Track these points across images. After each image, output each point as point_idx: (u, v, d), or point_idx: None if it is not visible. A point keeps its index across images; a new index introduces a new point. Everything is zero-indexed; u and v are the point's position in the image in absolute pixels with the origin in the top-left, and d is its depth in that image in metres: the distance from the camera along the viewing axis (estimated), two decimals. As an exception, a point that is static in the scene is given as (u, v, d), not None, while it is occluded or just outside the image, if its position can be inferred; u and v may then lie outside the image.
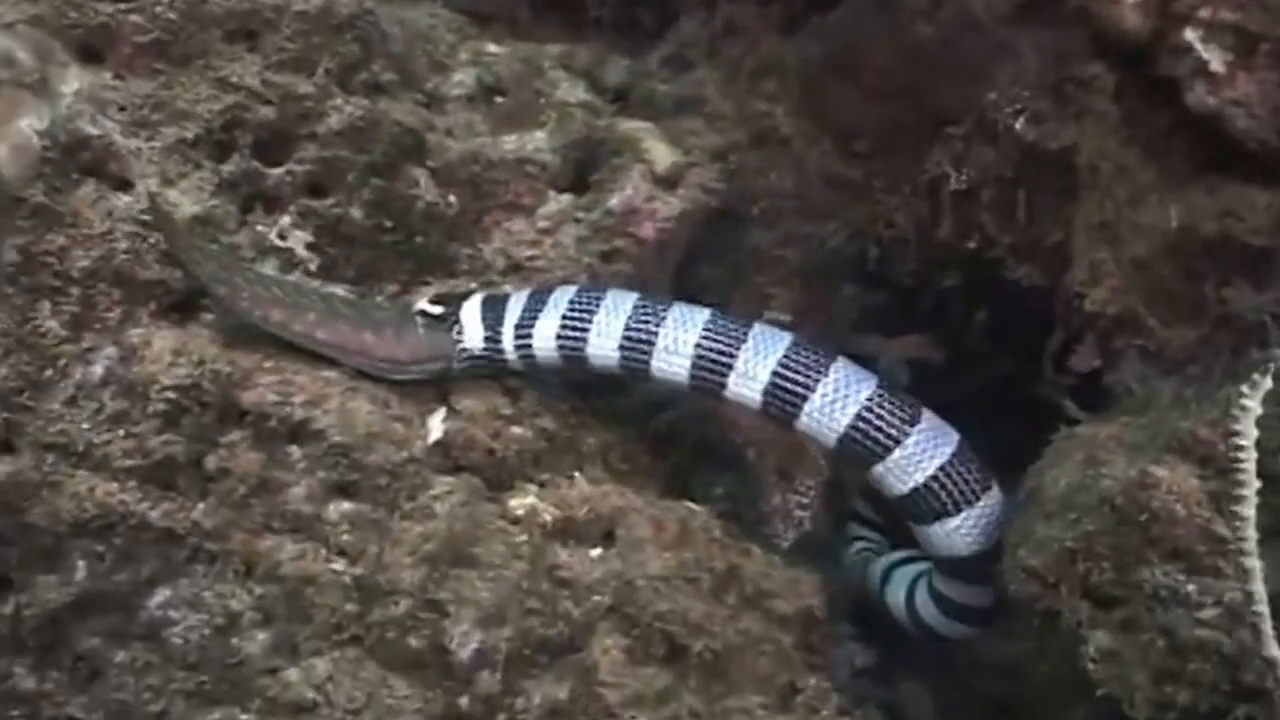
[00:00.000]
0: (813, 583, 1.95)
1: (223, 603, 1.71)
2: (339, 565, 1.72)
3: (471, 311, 1.89)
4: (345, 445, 1.75)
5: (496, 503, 1.82)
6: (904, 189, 2.12)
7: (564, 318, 1.85)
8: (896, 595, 2.16)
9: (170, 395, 1.72)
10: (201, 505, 1.72)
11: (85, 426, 1.70)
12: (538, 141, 2.07)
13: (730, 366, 1.83)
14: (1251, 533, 1.24)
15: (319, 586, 1.71)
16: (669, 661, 1.80)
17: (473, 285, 1.96)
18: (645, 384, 1.93)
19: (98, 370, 1.71)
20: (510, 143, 2.06)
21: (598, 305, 1.85)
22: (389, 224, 1.93)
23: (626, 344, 1.84)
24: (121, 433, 1.71)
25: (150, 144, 1.80)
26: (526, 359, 1.88)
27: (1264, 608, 1.26)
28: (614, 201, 2.03)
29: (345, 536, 1.74)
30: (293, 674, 1.70)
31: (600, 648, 1.78)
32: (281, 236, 1.88)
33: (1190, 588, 1.48)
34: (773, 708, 1.85)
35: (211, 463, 1.73)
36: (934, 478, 1.82)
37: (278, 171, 1.88)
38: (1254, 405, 1.20)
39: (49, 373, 1.70)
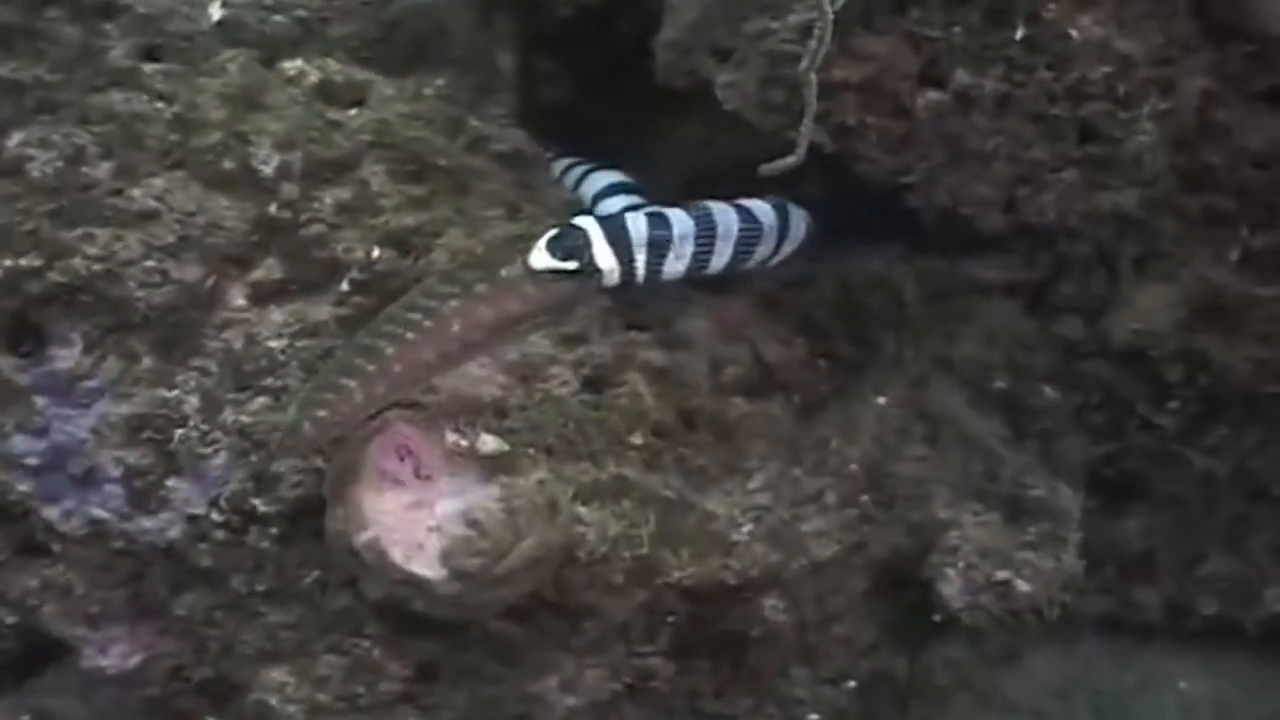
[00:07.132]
0: (520, 135, 2.58)
1: (69, 141, 2.13)
2: (160, 105, 2.20)
3: (602, 250, 2.05)
4: (149, 16, 2.24)
5: (271, 67, 2.34)
6: None
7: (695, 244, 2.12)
8: None
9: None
10: (39, 65, 2.15)
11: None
12: None
13: None
14: None
15: (147, 122, 2.18)
16: (420, 179, 2.36)
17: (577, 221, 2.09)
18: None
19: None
20: None
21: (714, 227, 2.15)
22: None
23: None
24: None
25: None
26: (653, 279, 2.12)
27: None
28: None
29: (161, 85, 2.22)
30: (136, 191, 2.13)
31: (369, 170, 2.34)
32: None
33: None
34: (504, 218, 2.45)
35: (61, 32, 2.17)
36: None
37: None
38: None
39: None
